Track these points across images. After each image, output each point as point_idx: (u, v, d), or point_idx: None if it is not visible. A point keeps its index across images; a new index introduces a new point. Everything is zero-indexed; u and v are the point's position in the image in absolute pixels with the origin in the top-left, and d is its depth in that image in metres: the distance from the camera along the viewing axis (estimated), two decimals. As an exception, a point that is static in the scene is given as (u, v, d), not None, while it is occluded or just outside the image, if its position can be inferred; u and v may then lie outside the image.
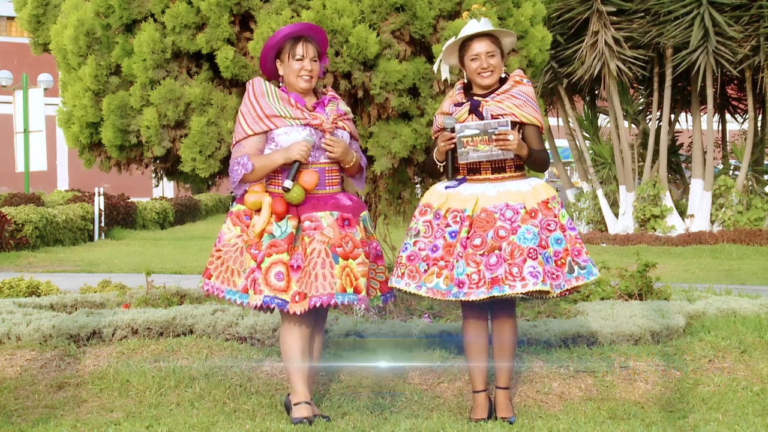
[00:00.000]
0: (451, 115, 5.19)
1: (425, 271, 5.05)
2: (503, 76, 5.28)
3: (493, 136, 5.04)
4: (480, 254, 4.97)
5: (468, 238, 5.02)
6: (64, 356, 6.21)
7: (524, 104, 5.19)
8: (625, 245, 17.97)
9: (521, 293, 4.90)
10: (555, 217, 5.10)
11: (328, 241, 4.95)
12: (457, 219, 5.07)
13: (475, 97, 5.20)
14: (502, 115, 5.14)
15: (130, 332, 6.52)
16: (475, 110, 5.15)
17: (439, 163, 5.24)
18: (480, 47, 5.19)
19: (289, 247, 4.97)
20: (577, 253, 5.11)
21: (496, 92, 5.20)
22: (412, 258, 5.08)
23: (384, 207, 7.46)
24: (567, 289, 5.08)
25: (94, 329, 6.50)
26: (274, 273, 4.93)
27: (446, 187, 5.17)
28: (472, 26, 5.22)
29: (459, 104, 5.20)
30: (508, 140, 5.03)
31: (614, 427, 5.06)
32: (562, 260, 5.06)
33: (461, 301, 4.98)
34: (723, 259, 15.93)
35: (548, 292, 4.94)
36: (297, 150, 5.01)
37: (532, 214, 5.04)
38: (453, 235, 5.05)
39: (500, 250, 4.95)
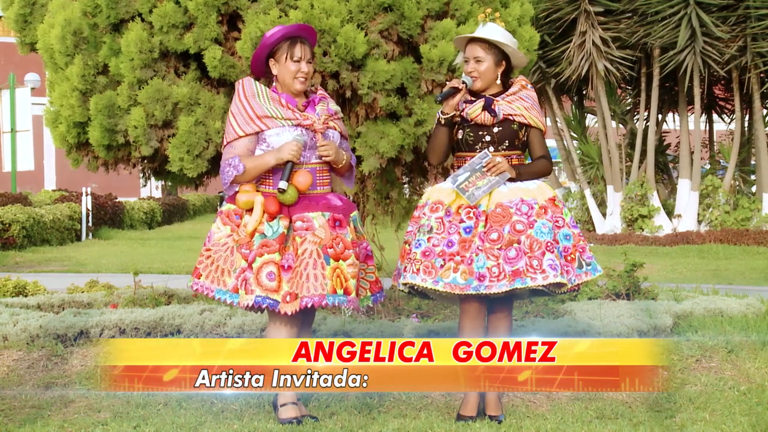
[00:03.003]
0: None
1: (441, 266, 5.07)
2: (499, 81, 5.31)
3: (483, 169, 5.11)
4: (498, 248, 5.02)
5: (484, 232, 5.06)
6: (51, 356, 6.19)
7: (531, 107, 5.27)
8: (612, 245, 17.99)
9: (542, 285, 4.98)
10: (562, 213, 5.18)
11: (319, 242, 4.95)
12: (471, 215, 5.12)
13: (487, 95, 5.25)
14: (513, 115, 5.20)
15: (117, 332, 6.51)
16: (488, 107, 5.19)
17: (442, 117, 5.25)
18: (470, 51, 5.28)
19: (280, 247, 4.97)
20: (582, 250, 5.20)
21: (506, 93, 5.25)
22: (427, 254, 5.10)
23: (372, 207, 7.46)
24: (576, 285, 5.17)
25: (81, 329, 6.48)
26: (266, 273, 4.93)
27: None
28: (476, 30, 5.30)
29: (470, 101, 5.24)
30: (498, 163, 5.11)
31: (602, 426, 5.07)
32: (572, 255, 5.14)
33: (480, 294, 5.03)
34: (710, 259, 15.96)
35: (564, 284, 5.04)
36: (288, 150, 5.01)
37: (544, 210, 5.11)
38: (468, 230, 5.10)
39: (519, 243, 5.02)
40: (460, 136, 5.27)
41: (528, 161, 5.37)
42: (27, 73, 28.73)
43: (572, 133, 21.54)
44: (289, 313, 4.92)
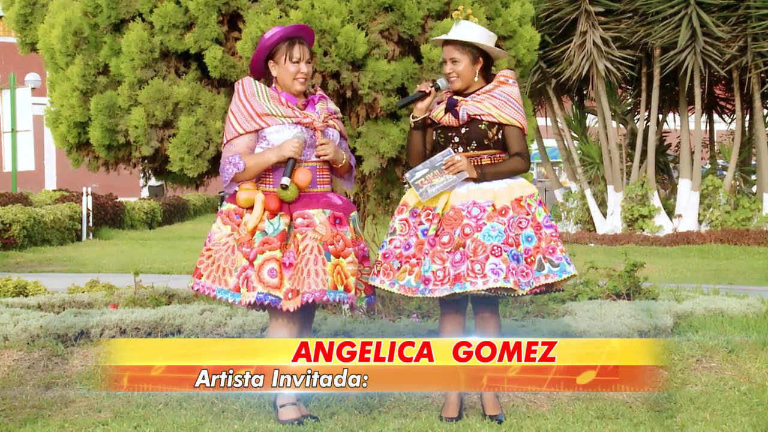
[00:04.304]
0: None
1: (398, 268, 5.10)
2: (477, 78, 5.30)
3: (443, 167, 5.09)
4: (447, 252, 5.01)
5: (437, 235, 5.06)
6: (51, 356, 6.19)
7: (504, 105, 5.18)
8: (613, 245, 17.99)
9: (482, 290, 4.91)
10: (528, 215, 5.11)
11: (320, 239, 4.96)
12: (430, 217, 5.11)
13: (453, 96, 5.23)
14: (479, 115, 5.16)
15: (118, 332, 6.51)
16: (451, 109, 5.17)
17: (412, 120, 5.25)
18: (446, 53, 5.24)
19: (281, 245, 4.98)
20: (551, 251, 5.10)
21: (477, 92, 5.22)
22: (386, 256, 5.13)
23: (372, 207, 7.46)
24: (537, 287, 5.08)
25: (81, 329, 6.49)
26: (267, 270, 4.94)
27: None
28: (450, 31, 5.26)
29: (441, 102, 5.23)
30: (457, 162, 5.08)
31: (602, 426, 5.07)
32: (532, 258, 5.08)
33: (440, 298, 5.03)
34: (711, 259, 15.96)
35: (513, 289, 4.94)
36: (290, 147, 5.02)
37: (502, 212, 5.05)
38: (425, 233, 5.10)
39: (464, 247, 4.98)
40: (434, 138, 5.29)
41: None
42: (27, 73, 28.77)
43: (573, 133, 21.55)
44: (291, 310, 4.92)
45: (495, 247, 4.95)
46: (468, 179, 5.12)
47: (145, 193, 31.71)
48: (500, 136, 5.21)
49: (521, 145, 5.24)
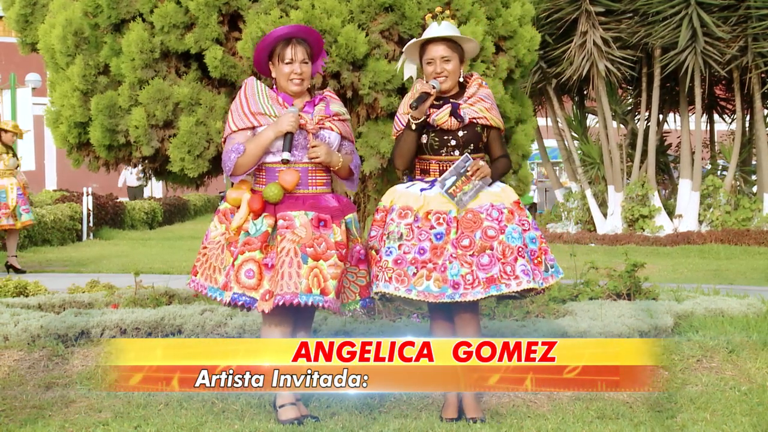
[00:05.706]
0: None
1: (414, 274, 5.03)
2: (460, 80, 5.30)
3: (468, 174, 5.08)
4: (470, 255, 5.00)
5: (456, 239, 5.04)
6: (52, 356, 6.20)
7: (492, 107, 5.27)
8: (613, 245, 17.98)
9: (516, 291, 4.96)
10: (525, 216, 5.16)
11: (298, 241, 4.95)
12: (441, 221, 5.08)
13: (451, 100, 5.23)
14: (476, 118, 5.20)
15: (118, 332, 6.52)
16: (455, 113, 5.17)
17: (414, 122, 5.18)
18: (435, 52, 5.22)
19: (262, 246, 4.99)
20: (545, 252, 5.18)
21: (467, 95, 5.23)
22: (399, 262, 5.05)
23: (372, 207, 7.46)
24: (542, 288, 5.13)
25: (82, 329, 6.49)
26: (245, 270, 4.96)
27: (422, 190, 5.18)
28: (431, 30, 5.23)
29: (435, 106, 5.21)
30: (482, 167, 5.10)
31: (602, 426, 5.07)
32: (538, 259, 5.12)
33: (429, 302, 5.02)
34: (711, 259, 15.95)
35: (534, 289, 5.03)
36: (287, 122, 5.03)
37: (512, 214, 5.09)
38: (439, 236, 5.06)
39: (492, 249, 4.98)
40: (424, 141, 5.24)
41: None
42: (28, 73, 28.71)
43: (573, 133, 21.52)
44: (266, 311, 4.93)
45: (520, 249, 5.01)
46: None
47: (146, 192, 31.65)
48: (486, 139, 5.26)
49: (504, 148, 5.36)
